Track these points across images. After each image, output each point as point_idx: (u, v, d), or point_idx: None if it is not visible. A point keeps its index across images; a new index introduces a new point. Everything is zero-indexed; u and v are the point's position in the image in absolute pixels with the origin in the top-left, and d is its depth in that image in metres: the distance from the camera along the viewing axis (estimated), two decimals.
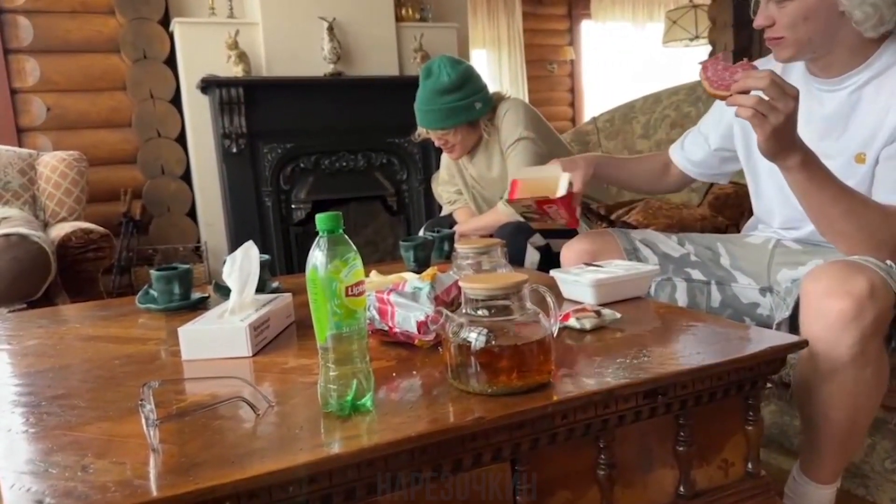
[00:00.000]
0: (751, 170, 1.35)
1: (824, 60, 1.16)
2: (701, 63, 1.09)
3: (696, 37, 5.01)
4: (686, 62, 5.73)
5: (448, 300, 0.99)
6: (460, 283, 0.77)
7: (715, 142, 1.41)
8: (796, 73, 1.23)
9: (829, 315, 0.94)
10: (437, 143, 2.04)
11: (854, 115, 1.14)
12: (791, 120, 0.97)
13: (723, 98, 1.02)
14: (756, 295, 1.31)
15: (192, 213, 3.47)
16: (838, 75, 1.15)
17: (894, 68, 1.11)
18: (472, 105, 1.95)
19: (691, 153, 1.45)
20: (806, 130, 1.16)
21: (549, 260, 1.80)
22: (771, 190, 1.30)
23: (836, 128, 1.16)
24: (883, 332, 0.98)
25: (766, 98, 0.96)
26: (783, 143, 1.00)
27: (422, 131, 2.04)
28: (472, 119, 1.96)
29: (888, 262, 1.03)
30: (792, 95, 0.96)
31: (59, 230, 2.44)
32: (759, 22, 1.14)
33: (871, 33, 1.09)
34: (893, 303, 0.98)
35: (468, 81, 1.96)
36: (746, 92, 0.98)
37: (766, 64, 1.26)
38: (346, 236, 0.72)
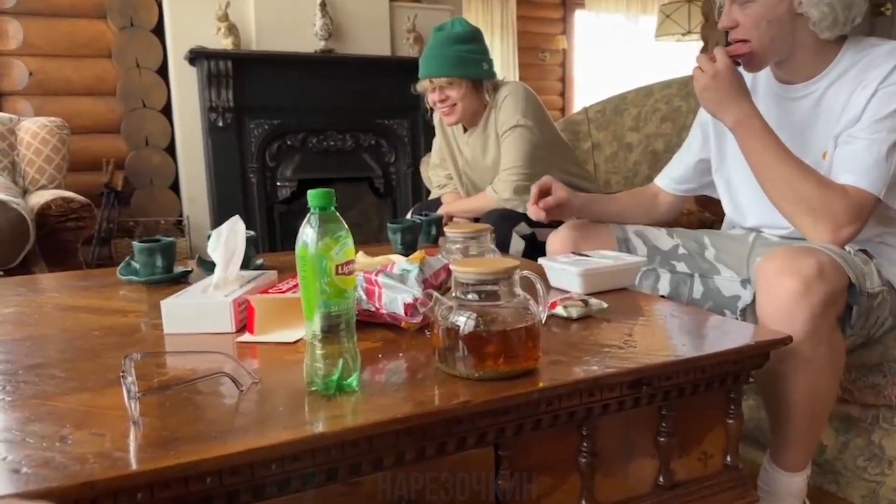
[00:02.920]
0: (722, 176, 1.39)
1: (788, 64, 1.21)
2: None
3: (689, 32, 5.01)
4: (678, 56, 5.74)
5: (436, 284, 0.98)
6: (451, 267, 0.76)
7: (694, 154, 1.46)
8: (763, 83, 1.29)
9: (780, 293, 0.98)
10: (436, 100, 1.96)
11: (820, 118, 1.20)
12: (718, 79, 1.15)
13: None
14: (738, 287, 1.32)
15: (175, 187, 3.43)
16: (803, 81, 1.21)
17: (850, 72, 1.15)
18: (480, 62, 1.91)
19: (674, 171, 1.51)
20: (780, 136, 1.22)
21: (534, 249, 1.80)
22: (741, 195, 1.35)
23: (805, 133, 1.22)
24: (835, 312, 1.01)
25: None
26: (713, 100, 1.16)
27: (424, 85, 1.96)
28: (478, 76, 1.92)
29: (847, 248, 1.08)
30: (717, 60, 1.15)
31: (39, 198, 2.39)
32: (723, 23, 1.19)
33: (826, 34, 1.14)
34: (845, 284, 1.01)
35: (479, 40, 1.94)
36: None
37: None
38: (339, 214, 0.71)
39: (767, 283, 1.01)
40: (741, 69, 1.21)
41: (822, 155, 1.18)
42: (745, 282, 1.32)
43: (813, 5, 1.12)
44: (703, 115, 1.43)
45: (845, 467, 1.30)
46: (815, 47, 1.17)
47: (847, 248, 1.09)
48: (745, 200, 1.34)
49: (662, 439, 0.83)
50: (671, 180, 1.51)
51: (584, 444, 0.78)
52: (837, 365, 1.04)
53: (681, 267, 1.37)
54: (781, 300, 0.98)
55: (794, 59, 1.20)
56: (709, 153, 1.42)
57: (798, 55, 1.19)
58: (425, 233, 1.61)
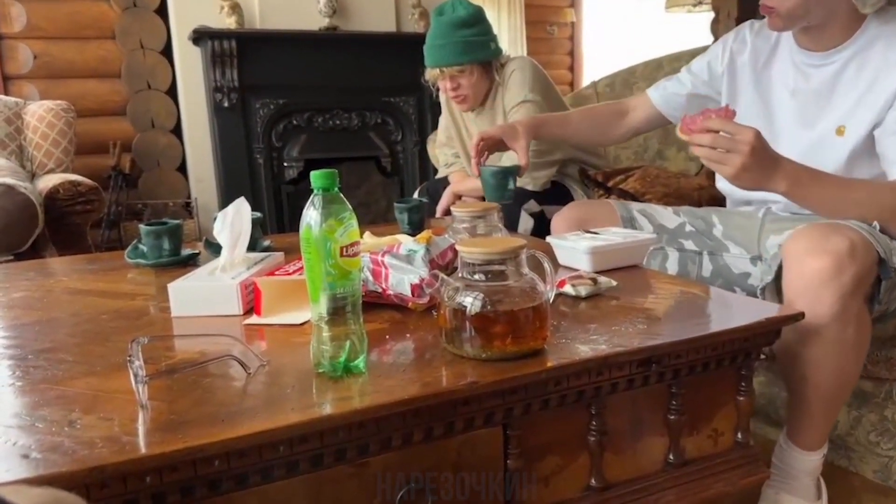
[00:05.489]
0: None
1: (816, 32, 1.17)
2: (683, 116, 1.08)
3: (700, 2, 4.92)
4: (688, 29, 5.64)
5: (443, 264, 0.97)
6: (457, 247, 0.75)
7: (689, 87, 1.44)
8: (785, 47, 1.26)
9: (809, 273, 0.95)
10: (447, 88, 1.92)
11: (837, 90, 1.16)
12: (756, 155, 0.98)
13: (688, 140, 1.03)
14: (747, 265, 1.31)
15: (182, 168, 3.42)
16: (826, 49, 1.17)
17: (877, 43, 1.12)
18: (487, 43, 1.87)
19: (673, 88, 1.48)
20: (792, 104, 1.21)
21: (543, 226, 1.78)
22: None
23: (820, 101, 1.18)
24: (864, 290, 0.99)
25: (724, 138, 0.99)
26: (756, 175, 1.01)
27: (433, 74, 1.92)
28: (487, 58, 1.88)
29: (874, 223, 1.05)
30: (741, 133, 0.98)
31: (47, 182, 2.40)
32: None
33: (867, 10, 1.10)
34: (875, 261, 0.99)
35: (483, 20, 1.90)
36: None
37: (760, 31, 1.29)
38: (342, 195, 0.70)
39: (796, 262, 0.98)
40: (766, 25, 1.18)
41: (836, 130, 1.15)
42: (756, 258, 1.30)
43: None
44: (715, 66, 1.38)
45: (857, 442, 1.30)
46: (848, 18, 1.13)
47: (875, 223, 1.07)
48: None
49: (672, 417, 0.83)
50: (664, 99, 1.48)
51: (594, 422, 0.77)
52: (864, 345, 1.02)
53: (689, 245, 1.35)
54: (810, 280, 0.95)
55: (825, 28, 1.16)
56: (710, 94, 1.40)
57: (829, 24, 1.15)
58: (500, 188, 1.33)
